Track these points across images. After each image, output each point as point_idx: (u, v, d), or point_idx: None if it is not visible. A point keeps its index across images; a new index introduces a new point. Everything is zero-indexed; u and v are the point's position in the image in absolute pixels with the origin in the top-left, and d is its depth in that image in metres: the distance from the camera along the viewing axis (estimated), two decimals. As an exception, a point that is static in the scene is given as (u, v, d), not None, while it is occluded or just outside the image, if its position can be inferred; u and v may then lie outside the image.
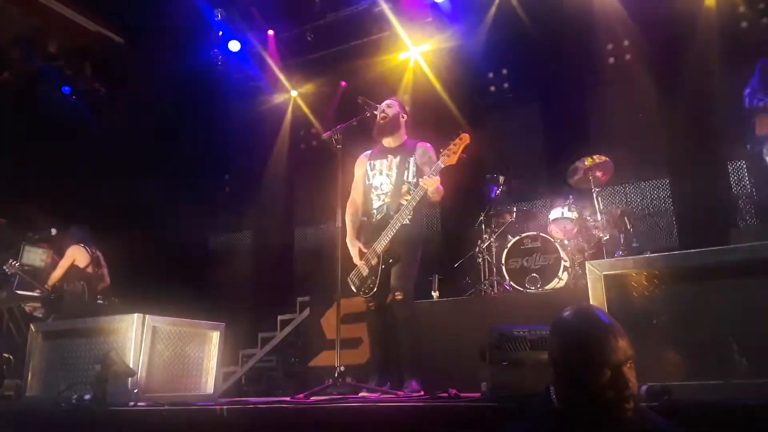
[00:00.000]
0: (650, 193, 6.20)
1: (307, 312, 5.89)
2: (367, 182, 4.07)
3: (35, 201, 6.95)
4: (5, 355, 5.30)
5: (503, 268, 5.23)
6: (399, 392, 3.53)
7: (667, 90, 5.99)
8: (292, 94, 7.69)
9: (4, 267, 5.60)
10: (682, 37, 5.93)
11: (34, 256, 5.92)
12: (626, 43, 6.37)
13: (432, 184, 3.66)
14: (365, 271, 3.87)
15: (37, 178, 7.14)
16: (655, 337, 2.37)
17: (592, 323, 1.64)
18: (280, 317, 6.53)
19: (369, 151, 4.17)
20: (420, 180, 3.73)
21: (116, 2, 6.90)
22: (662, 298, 2.42)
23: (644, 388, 2.17)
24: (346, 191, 4.14)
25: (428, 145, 4.07)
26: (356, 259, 3.92)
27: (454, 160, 3.67)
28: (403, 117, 4.10)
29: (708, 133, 5.83)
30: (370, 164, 4.08)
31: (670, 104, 5.98)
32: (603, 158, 5.35)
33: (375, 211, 3.98)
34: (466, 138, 3.70)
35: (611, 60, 6.49)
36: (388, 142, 4.08)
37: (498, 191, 5.84)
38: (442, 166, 3.67)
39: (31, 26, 6.91)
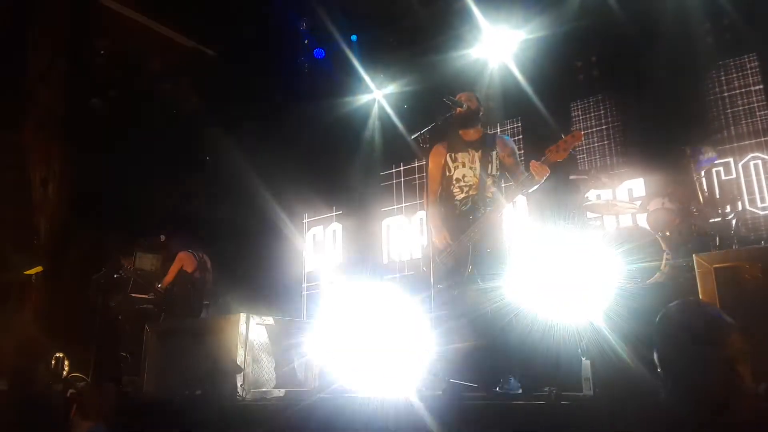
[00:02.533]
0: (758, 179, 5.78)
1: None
2: (447, 173, 4.07)
3: (146, 210, 7.49)
4: (123, 353, 5.76)
5: (600, 262, 5.05)
6: (495, 390, 3.51)
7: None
8: (376, 95, 7.78)
9: (121, 271, 6.06)
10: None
11: (146, 261, 6.35)
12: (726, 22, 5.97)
13: (542, 174, 3.61)
14: (451, 262, 3.87)
15: (147, 190, 7.62)
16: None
17: (700, 317, 1.57)
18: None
19: (445, 142, 4.17)
20: (531, 164, 3.67)
21: (208, 18, 7.25)
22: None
23: (765, 386, 2.05)
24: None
25: (506, 136, 4.11)
26: (442, 246, 3.92)
27: (563, 156, 3.60)
28: (481, 110, 4.11)
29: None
30: (450, 156, 4.08)
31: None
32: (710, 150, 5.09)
33: (458, 203, 3.98)
34: (579, 136, 3.62)
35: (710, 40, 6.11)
36: (468, 134, 4.08)
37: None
38: (551, 160, 3.61)
39: (130, 45, 7.38)
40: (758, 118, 5.69)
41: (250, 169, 7.50)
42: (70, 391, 4.78)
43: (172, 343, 4.47)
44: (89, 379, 5.28)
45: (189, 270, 6.03)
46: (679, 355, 1.56)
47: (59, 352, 5.64)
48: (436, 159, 4.16)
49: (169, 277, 6.00)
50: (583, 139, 3.63)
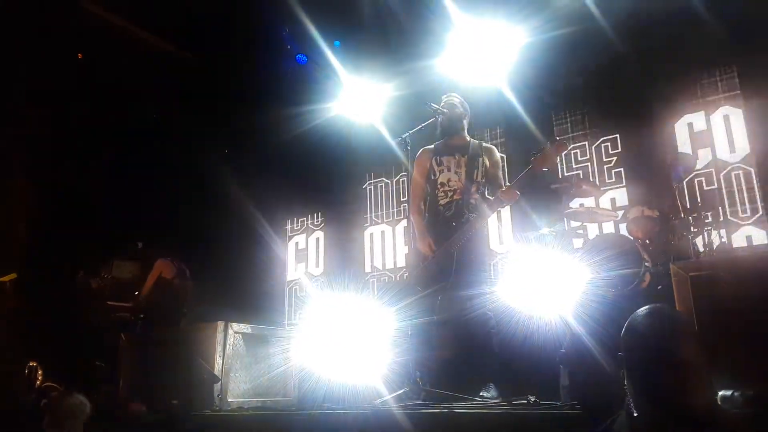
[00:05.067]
0: (738, 188, 5.85)
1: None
2: (432, 177, 4.07)
3: (122, 217, 7.39)
4: (98, 362, 5.66)
5: (580, 270, 5.08)
6: (476, 398, 3.49)
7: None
8: (359, 101, 7.74)
9: (98, 279, 5.98)
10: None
11: (124, 268, 6.27)
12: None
13: (512, 198, 3.64)
14: (435, 268, 3.85)
15: (124, 195, 7.53)
16: (747, 341, 2.23)
17: (661, 324, 1.58)
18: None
19: (431, 146, 4.17)
20: (500, 193, 3.70)
21: (189, 22, 7.20)
22: (755, 299, 2.28)
23: (736, 394, 2.06)
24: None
25: (494, 147, 4.12)
26: (426, 252, 3.91)
27: (548, 165, 3.61)
28: (465, 115, 4.12)
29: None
30: (435, 159, 4.08)
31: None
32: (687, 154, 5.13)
33: (442, 207, 3.97)
34: (563, 145, 3.65)
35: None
36: (453, 139, 4.08)
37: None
38: (535, 169, 3.61)
39: (109, 49, 7.29)
40: (739, 128, 5.75)
41: (230, 176, 7.45)
42: (44, 401, 4.69)
43: (148, 351, 4.41)
44: (63, 388, 5.18)
45: (167, 278, 5.96)
46: (644, 362, 1.56)
47: (33, 360, 5.54)
48: (420, 163, 4.15)
49: (148, 285, 5.92)
50: (567, 148, 3.64)
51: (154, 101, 7.73)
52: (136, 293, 5.94)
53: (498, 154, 4.08)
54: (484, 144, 4.13)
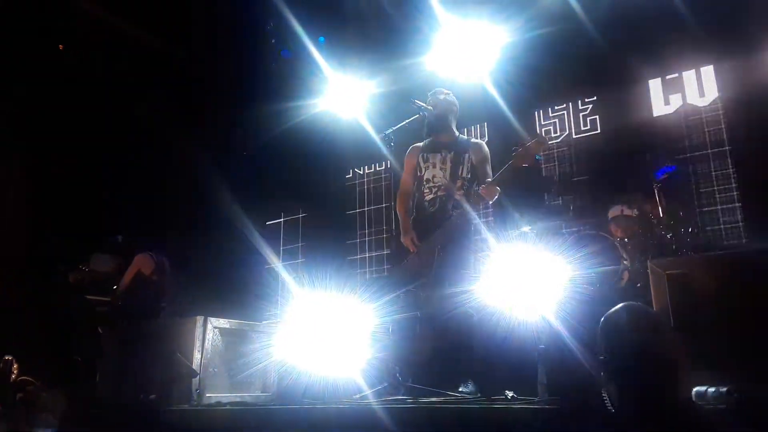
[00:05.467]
0: (718, 188, 5.94)
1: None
2: (419, 174, 4.09)
3: (103, 209, 7.31)
4: (76, 357, 5.59)
5: (561, 267, 5.12)
6: (455, 393, 3.51)
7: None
8: (343, 97, 7.72)
9: (76, 273, 5.88)
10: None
11: (103, 262, 6.18)
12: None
13: (492, 195, 3.65)
14: (418, 264, 3.86)
15: (102, 188, 7.45)
16: (722, 338, 2.27)
17: (636, 320, 1.60)
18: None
19: (420, 143, 4.18)
20: (480, 189, 3.71)
21: (173, 16, 7.12)
22: (729, 298, 2.32)
23: (711, 390, 2.09)
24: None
25: (481, 142, 4.09)
26: (409, 246, 3.92)
27: (528, 161, 3.62)
28: (453, 110, 4.11)
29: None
30: (422, 156, 4.10)
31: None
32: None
33: (427, 204, 3.99)
34: (544, 141, 3.65)
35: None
36: (440, 136, 4.09)
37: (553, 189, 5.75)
38: (515, 166, 3.62)
39: (91, 44, 7.19)
40: (715, 129, 5.84)
41: (211, 170, 7.39)
42: (19, 395, 4.63)
43: (127, 346, 4.37)
44: (40, 383, 5.11)
45: (147, 272, 5.88)
46: (620, 358, 1.58)
47: (8, 354, 5.45)
48: (408, 160, 4.17)
49: (126, 279, 5.84)
50: (547, 144, 3.66)
51: (136, 94, 7.64)
52: (115, 288, 5.87)
53: (486, 150, 4.06)
54: (473, 140, 4.16)
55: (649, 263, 2.54)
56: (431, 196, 3.99)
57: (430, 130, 4.10)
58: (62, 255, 6.25)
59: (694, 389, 2.07)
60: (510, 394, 2.85)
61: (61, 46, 7.26)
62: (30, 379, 5.29)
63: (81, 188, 7.25)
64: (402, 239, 3.98)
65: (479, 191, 3.69)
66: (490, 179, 3.89)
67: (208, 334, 3.88)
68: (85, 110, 7.41)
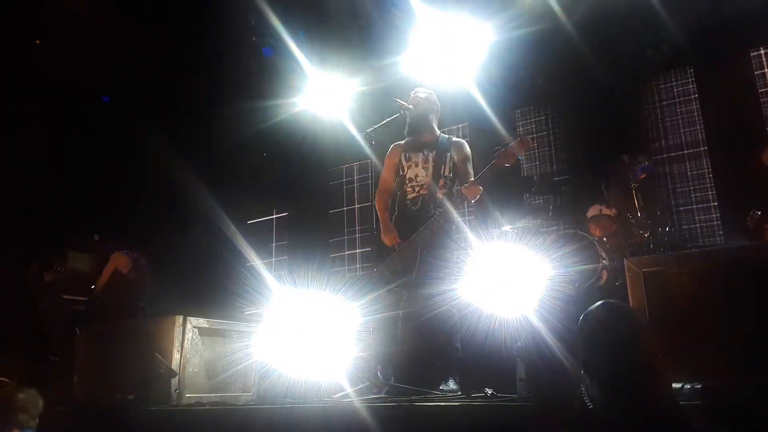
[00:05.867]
0: (694, 188, 6.03)
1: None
2: (401, 173, 4.09)
3: (79, 207, 7.19)
4: (51, 357, 5.50)
5: (540, 266, 5.15)
6: (435, 391, 3.52)
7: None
8: (325, 95, 7.68)
9: (52, 272, 5.80)
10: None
11: (79, 261, 6.10)
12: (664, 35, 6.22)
13: (474, 194, 3.66)
14: (400, 263, 3.87)
15: (79, 186, 7.34)
16: (697, 335, 2.30)
17: (615, 316, 1.62)
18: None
19: (402, 142, 4.18)
20: (463, 188, 3.73)
21: (151, 10, 7.02)
22: (704, 296, 2.35)
23: (686, 386, 2.12)
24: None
25: (462, 140, 4.11)
26: (391, 244, 3.92)
27: (511, 161, 3.63)
28: (434, 110, 4.12)
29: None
30: (404, 155, 4.10)
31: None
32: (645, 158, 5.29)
33: (409, 202, 4.00)
34: (527, 142, 3.65)
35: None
36: (422, 135, 4.09)
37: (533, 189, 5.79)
38: (497, 166, 3.63)
39: (66, 38, 7.07)
40: (692, 129, 5.93)
41: (191, 168, 7.32)
42: (-7, 396, 4.53)
43: (104, 346, 4.30)
44: (15, 383, 5.02)
45: (124, 271, 5.82)
46: (599, 355, 1.60)
47: (-19, 354, 5.35)
48: (390, 159, 4.17)
49: (103, 278, 5.78)
50: (531, 145, 3.69)
51: (114, 91, 7.54)
52: (92, 287, 5.79)
53: (467, 149, 4.08)
54: (454, 138, 4.15)
55: (625, 261, 2.57)
56: (414, 195, 4.00)
57: (411, 128, 4.11)
58: (38, 254, 6.15)
59: (686, 386, 2.10)
60: (489, 391, 2.87)
61: (37, 41, 7.13)
62: (5, 379, 5.19)
63: (56, 186, 7.13)
64: (383, 237, 3.98)
65: (462, 190, 3.71)
66: (471, 178, 3.91)
67: (187, 334, 3.84)
68: (60, 107, 7.29)
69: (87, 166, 7.26)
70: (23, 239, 6.68)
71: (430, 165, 4.00)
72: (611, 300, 1.78)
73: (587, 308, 1.84)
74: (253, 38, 7.15)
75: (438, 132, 4.17)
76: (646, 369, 1.53)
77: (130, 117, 7.37)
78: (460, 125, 7.14)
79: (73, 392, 4.31)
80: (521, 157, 3.77)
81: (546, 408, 2.27)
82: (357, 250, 7.72)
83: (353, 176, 8.02)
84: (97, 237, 6.19)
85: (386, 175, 4.17)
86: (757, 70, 5.65)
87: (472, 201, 3.75)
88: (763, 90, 5.60)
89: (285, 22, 6.86)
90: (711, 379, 2.16)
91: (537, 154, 6.62)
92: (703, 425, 1.65)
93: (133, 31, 7.17)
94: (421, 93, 4.18)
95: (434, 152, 4.02)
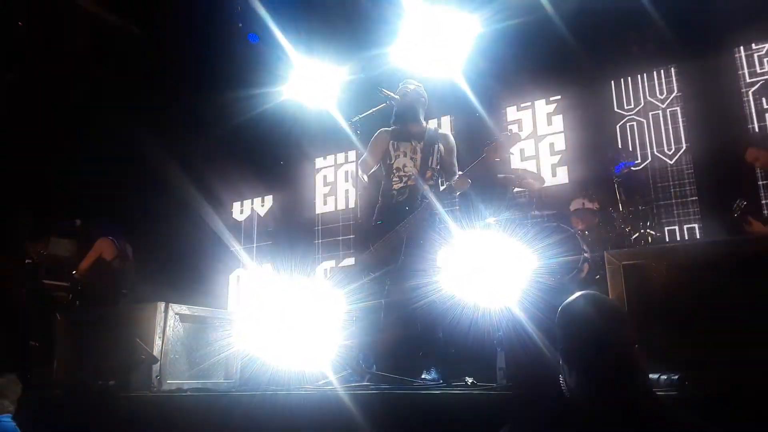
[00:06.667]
0: (675, 182, 6.10)
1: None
2: (388, 162, 4.08)
3: (61, 192, 7.11)
4: (32, 342, 5.45)
5: (522, 258, 5.20)
6: (417, 380, 3.55)
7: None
8: (311, 84, 7.63)
9: (32, 256, 5.73)
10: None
11: (61, 246, 6.03)
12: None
13: (463, 186, 3.69)
14: (384, 252, 3.88)
15: (62, 170, 7.25)
16: (674, 327, 2.35)
17: (594, 308, 1.65)
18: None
19: (390, 128, 4.17)
20: (452, 181, 3.76)
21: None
22: (682, 288, 2.40)
23: (663, 377, 2.16)
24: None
25: (449, 133, 4.16)
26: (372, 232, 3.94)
27: (501, 155, 3.66)
28: (420, 100, 4.12)
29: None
30: (393, 144, 4.09)
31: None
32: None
33: (396, 192, 4.00)
34: (517, 137, 3.68)
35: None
36: (409, 126, 4.09)
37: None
38: (489, 159, 3.65)
39: (49, 21, 6.95)
40: (674, 126, 6.00)
41: (174, 154, 7.26)
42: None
43: (85, 332, 4.27)
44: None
45: (108, 258, 5.76)
46: (578, 345, 1.62)
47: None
48: (377, 142, 4.14)
49: (85, 263, 5.71)
50: (519, 139, 3.72)
51: (98, 77, 7.44)
52: (73, 272, 5.73)
53: (453, 141, 4.11)
54: (440, 131, 4.18)
55: (605, 254, 2.61)
56: (401, 185, 4.00)
57: (397, 119, 4.10)
58: (19, 239, 6.07)
59: (662, 376, 2.14)
60: (470, 380, 2.90)
61: (20, 23, 7.01)
62: (-16, 365, 5.14)
63: (38, 170, 7.04)
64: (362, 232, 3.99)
65: (452, 183, 3.74)
66: (456, 170, 3.92)
67: (169, 320, 3.83)
68: (46, 90, 7.18)
69: (68, 151, 7.17)
70: (4, 224, 6.59)
71: (418, 156, 4.00)
72: (590, 291, 1.80)
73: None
74: (239, 24, 7.08)
75: (425, 123, 4.17)
76: (623, 360, 1.56)
77: (114, 103, 7.28)
78: (448, 117, 7.15)
79: (53, 377, 4.29)
80: (512, 152, 3.79)
81: (524, 396, 2.31)
82: (340, 237, 7.71)
83: (338, 165, 8.00)
84: (78, 222, 6.12)
85: (369, 157, 4.13)
86: (739, 68, 5.72)
87: (458, 193, 3.78)
88: (746, 89, 5.67)
89: (271, 9, 6.81)
90: (688, 369, 2.21)
91: (525, 148, 6.65)
92: (680, 415, 1.68)
93: (117, 15, 7.07)
94: (410, 84, 4.18)
95: (422, 143, 4.02)
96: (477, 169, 3.70)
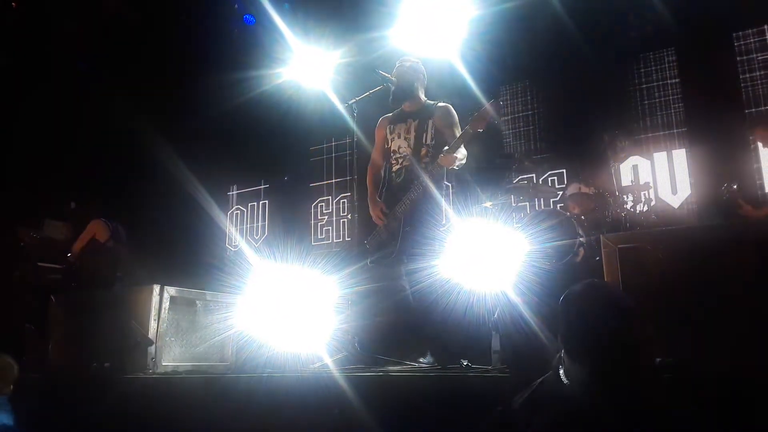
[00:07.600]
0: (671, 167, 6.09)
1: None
2: (386, 146, 4.06)
3: (55, 174, 7.06)
4: (27, 324, 5.44)
5: (518, 242, 5.20)
6: (413, 363, 3.56)
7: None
8: (308, 66, 7.56)
9: (26, 239, 5.70)
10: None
11: (55, 228, 6.00)
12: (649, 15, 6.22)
13: (449, 163, 3.63)
14: (384, 235, 3.87)
15: (53, 153, 7.21)
16: (671, 311, 2.34)
17: (602, 299, 1.57)
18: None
19: (390, 114, 4.14)
20: (438, 159, 3.69)
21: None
22: (679, 272, 2.39)
23: (658, 361, 2.16)
24: (362, 158, 4.19)
25: (448, 105, 3.99)
26: (376, 220, 3.93)
27: (483, 126, 3.58)
28: (419, 79, 4.05)
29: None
30: (389, 128, 4.06)
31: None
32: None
33: (394, 175, 3.97)
34: (497, 105, 3.60)
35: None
36: (407, 106, 4.04)
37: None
38: (471, 131, 3.59)
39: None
40: (673, 111, 5.98)
41: (170, 138, 7.21)
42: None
43: (80, 314, 4.26)
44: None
45: (102, 240, 5.74)
46: (582, 336, 1.57)
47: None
48: (377, 133, 4.12)
49: (79, 245, 5.68)
50: (500, 107, 3.63)
51: (93, 59, 7.36)
52: (68, 254, 5.71)
53: (452, 113, 3.94)
54: (439, 104, 3.99)
55: (602, 237, 2.59)
56: (397, 167, 3.97)
57: (395, 100, 4.04)
58: (13, 221, 6.04)
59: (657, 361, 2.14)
60: (465, 362, 2.90)
61: (14, 4, 6.91)
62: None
63: (32, 152, 6.98)
64: (371, 211, 3.97)
65: (438, 160, 3.67)
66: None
67: (164, 303, 3.83)
68: (41, 73, 7.11)
69: (65, 132, 7.11)
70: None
71: (412, 135, 3.91)
72: (594, 280, 1.74)
73: (563, 283, 1.82)
74: (235, 5, 7.00)
75: (423, 99, 4.06)
76: (631, 355, 1.50)
77: (108, 84, 7.21)
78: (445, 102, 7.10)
79: (49, 360, 4.29)
80: (495, 120, 3.69)
81: (519, 379, 2.31)
82: (334, 217, 7.71)
83: (335, 149, 7.96)
84: (73, 204, 6.08)
85: (375, 150, 4.14)
86: (738, 53, 5.69)
87: (448, 168, 3.69)
88: (744, 75, 5.65)
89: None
90: (684, 353, 2.21)
91: (521, 133, 6.62)
92: (675, 399, 1.66)
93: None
94: (407, 62, 4.08)
95: (417, 121, 3.94)
96: (460, 142, 3.64)
